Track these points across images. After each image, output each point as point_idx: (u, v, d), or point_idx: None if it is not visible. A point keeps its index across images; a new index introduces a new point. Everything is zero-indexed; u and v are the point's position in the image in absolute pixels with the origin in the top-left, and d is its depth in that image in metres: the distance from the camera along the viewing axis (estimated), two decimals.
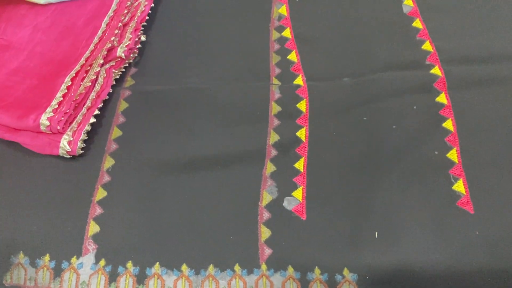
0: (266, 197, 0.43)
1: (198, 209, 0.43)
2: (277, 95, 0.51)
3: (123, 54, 0.51)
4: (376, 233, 0.40)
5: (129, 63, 0.54)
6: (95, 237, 0.42)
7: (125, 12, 0.56)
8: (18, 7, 0.56)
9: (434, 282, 0.38)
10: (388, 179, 0.43)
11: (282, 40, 0.56)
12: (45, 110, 0.45)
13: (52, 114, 0.45)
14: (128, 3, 0.57)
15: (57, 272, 0.41)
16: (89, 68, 0.50)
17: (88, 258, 0.41)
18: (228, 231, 0.42)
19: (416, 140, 0.46)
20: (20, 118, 0.45)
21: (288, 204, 0.43)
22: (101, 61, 0.50)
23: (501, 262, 0.38)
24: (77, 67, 0.50)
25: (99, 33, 0.54)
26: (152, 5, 0.58)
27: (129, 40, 0.53)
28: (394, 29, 0.55)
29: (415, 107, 0.48)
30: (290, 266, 0.40)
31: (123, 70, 0.53)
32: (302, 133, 0.47)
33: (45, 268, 0.41)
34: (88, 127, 0.47)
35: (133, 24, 0.55)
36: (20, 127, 0.46)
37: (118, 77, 0.52)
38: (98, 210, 0.43)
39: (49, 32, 0.54)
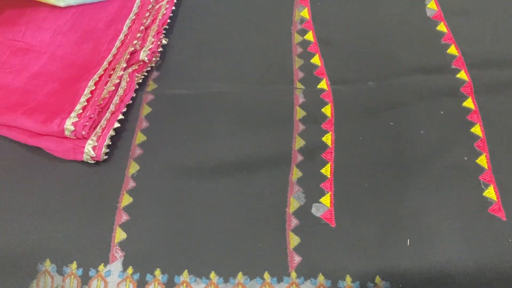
0: (294, 204, 0.43)
1: (225, 215, 0.43)
2: (301, 99, 0.50)
3: (146, 58, 0.51)
4: (408, 240, 0.40)
5: (151, 67, 0.53)
6: (122, 244, 0.41)
7: (147, 15, 0.55)
8: (37, 10, 0.55)
9: None
10: (418, 185, 0.43)
11: (304, 44, 0.55)
12: (69, 115, 0.45)
13: (77, 119, 0.44)
14: (150, 6, 0.56)
15: (85, 280, 0.40)
16: (112, 72, 0.49)
17: (115, 266, 0.40)
18: (256, 238, 0.41)
19: (445, 146, 0.45)
20: (44, 123, 0.45)
21: (317, 210, 0.42)
22: (124, 65, 0.50)
23: None
24: (100, 71, 0.49)
25: (121, 36, 0.53)
26: (173, 8, 0.57)
27: (152, 43, 0.52)
28: (418, 33, 0.55)
29: (442, 112, 0.48)
30: (320, 274, 0.39)
31: (145, 74, 0.52)
32: (328, 138, 0.47)
33: (72, 276, 0.40)
34: (112, 132, 0.46)
35: (155, 27, 0.54)
36: (44, 132, 0.45)
37: (140, 81, 0.52)
38: (124, 217, 0.43)
39: (69, 35, 0.53)
